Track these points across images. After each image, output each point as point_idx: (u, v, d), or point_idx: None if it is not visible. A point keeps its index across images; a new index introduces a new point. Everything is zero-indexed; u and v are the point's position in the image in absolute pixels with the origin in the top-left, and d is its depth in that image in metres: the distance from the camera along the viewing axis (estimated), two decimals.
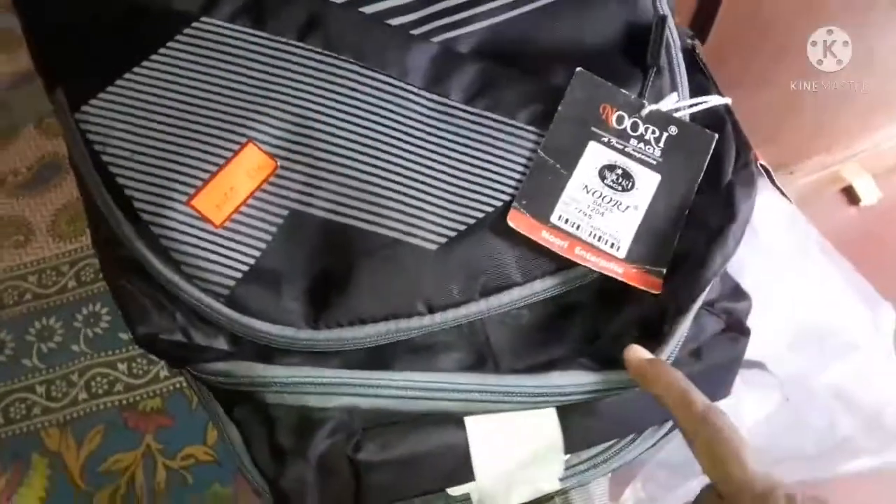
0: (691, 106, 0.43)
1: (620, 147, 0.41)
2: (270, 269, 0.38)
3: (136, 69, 0.40)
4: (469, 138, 0.41)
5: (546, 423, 0.38)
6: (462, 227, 0.39)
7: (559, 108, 0.41)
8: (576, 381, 0.37)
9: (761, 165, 0.46)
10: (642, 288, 0.39)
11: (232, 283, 0.38)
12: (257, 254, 0.38)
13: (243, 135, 0.39)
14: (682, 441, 0.32)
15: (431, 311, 0.39)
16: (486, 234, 0.39)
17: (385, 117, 0.40)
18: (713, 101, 0.44)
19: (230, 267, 0.38)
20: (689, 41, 0.47)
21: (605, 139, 0.41)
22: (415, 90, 0.41)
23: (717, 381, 0.41)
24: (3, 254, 0.93)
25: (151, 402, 0.86)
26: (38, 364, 0.89)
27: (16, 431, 0.87)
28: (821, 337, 0.45)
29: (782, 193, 0.50)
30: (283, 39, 0.41)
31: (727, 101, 0.44)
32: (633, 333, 0.39)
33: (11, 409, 0.88)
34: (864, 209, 1.07)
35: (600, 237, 0.39)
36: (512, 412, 0.37)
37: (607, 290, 0.40)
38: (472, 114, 0.41)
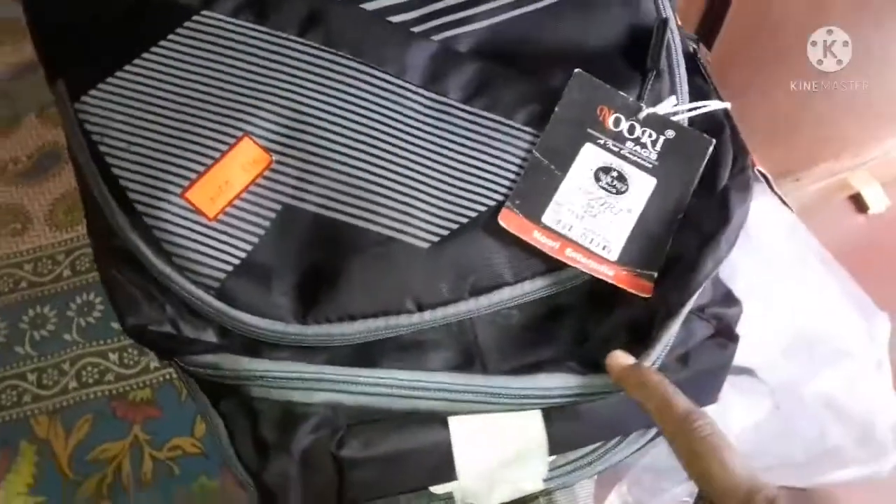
0: (690, 110, 0.43)
1: (616, 149, 0.42)
2: (261, 263, 0.39)
3: (136, 61, 0.41)
4: (465, 137, 0.41)
5: (531, 424, 0.38)
6: (454, 226, 0.40)
7: (556, 108, 0.41)
8: (561, 384, 0.37)
9: (759, 172, 0.46)
10: (632, 291, 0.39)
11: (222, 275, 0.38)
12: (249, 247, 0.39)
13: (240, 128, 0.40)
14: (669, 446, 0.32)
15: (421, 308, 0.39)
16: (478, 234, 0.40)
17: (382, 114, 0.41)
18: (712, 105, 0.44)
19: (221, 260, 0.38)
20: (691, 45, 0.47)
21: (602, 141, 0.42)
22: (413, 88, 0.42)
23: (704, 387, 0.41)
24: (1, 241, 0.94)
25: (141, 393, 0.87)
26: (31, 352, 0.90)
27: (5, 418, 0.88)
28: (814, 345, 0.45)
29: (782, 200, 0.50)
30: (284, 34, 0.41)
31: (726, 105, 0.44)
32: (622, 336, 0.39)
33: (2, 396, 0.89)
34: (873, 217, 1.07)
35: (592, 239, 0.40)
36: (497, 413, 0.38)
37: (598, 293, 0.40)
38: (469, 113, 0.41)
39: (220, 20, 0.41)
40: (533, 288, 0.40)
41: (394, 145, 0.40)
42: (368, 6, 0.43)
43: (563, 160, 0.41)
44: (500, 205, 0.40)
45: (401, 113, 0.41)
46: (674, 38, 0.45)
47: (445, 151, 0.41)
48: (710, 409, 0.41)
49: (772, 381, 0.43)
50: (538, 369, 0.38)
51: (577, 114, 0.42)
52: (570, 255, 0.39)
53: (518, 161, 0.41)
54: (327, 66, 0.41)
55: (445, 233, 0.39)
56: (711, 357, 0.40)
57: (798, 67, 0.66)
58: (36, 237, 0.95)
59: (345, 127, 0.40)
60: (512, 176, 0.40)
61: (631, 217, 0.40)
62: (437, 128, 0.41)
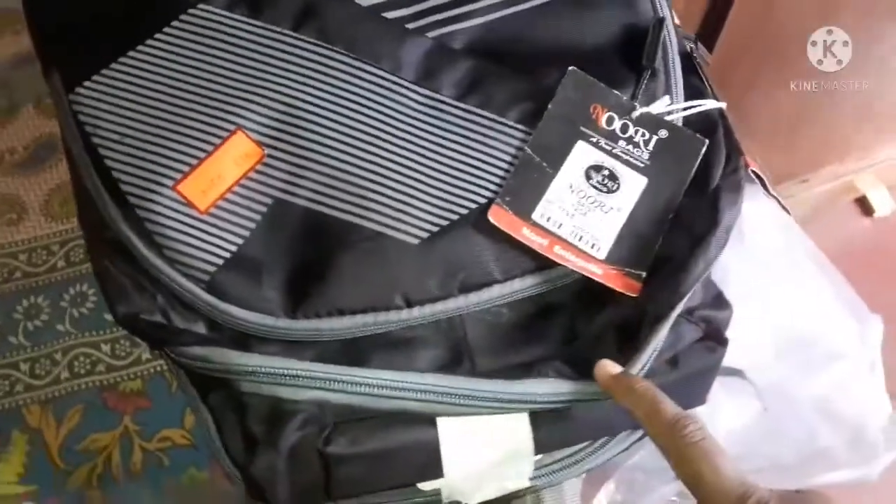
0: (684, 109, 0.43)
1: (608, 148, 0.42)
2: (252, 256, 0.39)
3: (131, 53, 0.41)
4: (458, 134, 0.41)
5: (518, 426, 0.38)
6: (445, 223, 0.40)
7: (549, 106, 0.42)
8: (550, 389, 0.38)
9: (754, 173, 0.46)
10: (620, 290, 0.39)
11: (213, 269, 0.39)
12: (240, 241, 0.39)
13: (233, 122, 0.40)
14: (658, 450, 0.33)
15: (410, 305, 0.39)
16: (468, 231, 0.40)
17: (375, 110, 0.41)
18: (707, 104, 0.44)
19: (212, 253, 0.39)
20: (688, 44, 0.48)
21: (594, 139, 0.42)
22: (406, 84, 0.42)
23: (693, 390, 0.41)
24: None
25: (132, 384, 0.88)
26: (24, 342, 0.91)
27: None
28: (804, 347, 0.45)
29: (779, 202, 0.50)
30: (278, 29, 0.42)
31: (721, 105, 0.44)
32: (611, 336, 0.39)
33: None
34: (878, 220, 1.07)
35: (581, 237, 0.40)
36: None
37: (588, 292, 0.41)
38: (462, 110, 0.42)
39: (215, 14, 0.42)
40: (523, 286, 0.40)
41: (386, 141, 0.41)
42: (363, 2, 0.43)
43: (555, 158, 0.41)
44: (491, 202, 0.40)
45: (394, 109, 0.41)
46: (670, 37, 0.45)
47: (438, 148, 0.41)
48: (699, 411, 0.41)
49: (761, 382, 0.43)
50: (527, 370, 0.38)
51: (571, 112, 0.42)
52: (558, 253, 0.39)
53: (510, 158, 0.41)
54: (321, 62, 0.41)
55: (436, 229, 0.40)
56: (700, 360, 0.40)
57: (800, 68, 0.66)
58: (31, 228, 0.96)
59: (338, 122, 0.41)
60: (503, 173, 0.41)
61: (621, 216, 0.41)
62: (429, 124, 0.41)
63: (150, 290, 0.39)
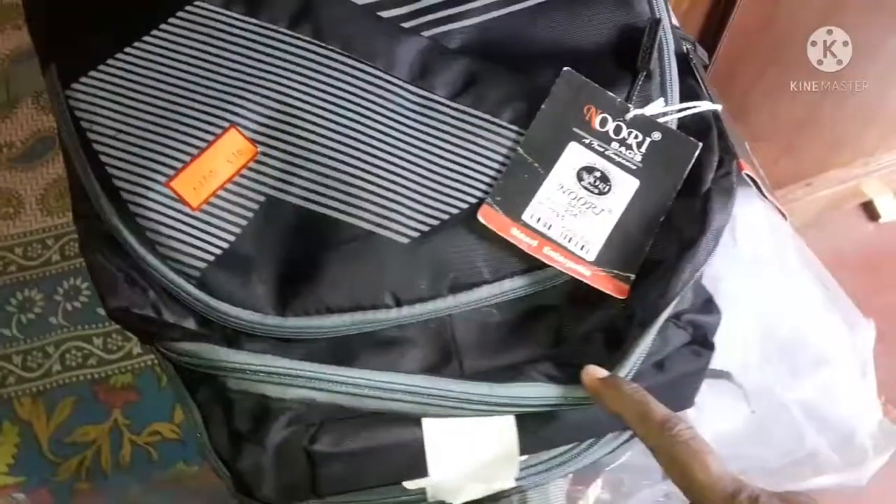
0: (679, 111, 0.44)
1: (601, 150, 0.42)
2: (242, 254, 0.40)
3: (127, 50, 0.42)
4: (450, 134, 0.42)
5: (504, 427, 0.39)
6: (436, 222, 0.40)
7: (543, 106, 0.42)
8: (537, 393, 0.38)
9: (748, 176, 0.47)
10: (608, 292, 0.39)
11: (203, 265, 0.39)
12: (231, 238, 0.40)
13: (227, 119, 0.41)
14: (644, 446, 0.33)
15: (399, 304, 0.40)
16: (458, 230, 0.40)
17: (368, 109, 0.41)
18: (702, 106, 0.44)
19: (203, 250, 0.39)
20: (686, 45, 0.48)
21: (587, 141, 0.42)
22: (400, 83, 0.42)
23: (681, 392, 0.41)
24: None
25: (122, 378, 0.88)
26: (17, 334, 0.91)
27: None
28: (794, 351, 0.46)
29: (775, 206, 0.50)
30: (274, 27, 0.42)
31: (716, 107, 0.44)
32: (598, 339, 0.40)
33: None
34: (883, 226, 1.07)
35: (571, 238, 0.40)
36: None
37: (578, 294, 0.41)
38: (455, 109, 0.42)
39: (212, 11, 0.42)
40: (512, 287, 0.41)
41: (379, 140, 0.41)
42: (358, 0, 0.43)
43: (548, 158, 0.42)
44: (482, 202, 0.40)
45: (387, 108, 0.42)
46: (666, 38, 0.45)
47: (430, 147, 0.41)
48: (685, 413, 0.42)
49: (749, 385, 0.43)
50: (515, 372, 0.38)
51: (564, 112, 0.42)
52: (547, 254, 0.40)
53: (502, 158, 0.41)
54: (316, 60, 0.42)
55: (426, 228, 0.40)
56: (686, 364, 0.41)
57: (805, 69, 0.66)
58: (27, 221, 0.97)
59: (331, 121, 0.41)
60: (495, 173, 0.41)
61: (612, 218, 0.41)
62: (422, 123, 0.42)
63: (141, 284, 0.39)
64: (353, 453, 0.38)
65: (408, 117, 0.42)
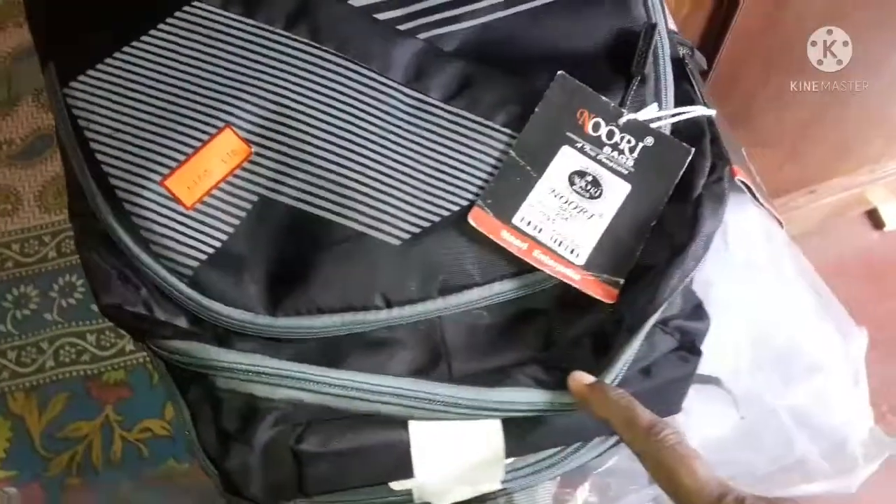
0: (673, 116, 0.44)
1: (593, 154, 0.42)
2: (235, 253, 0.40)
3: (125, 49, 0.42)
4: (443, 136, 0.42)
5: (490, 430, 0.39)
6: (427, 224, 0.41)
7: (536, 109, 0.42)
8: (525, 398, 0.38)
9: (742, 182, 0.47)
10: (597, 297, 0.40)
11: (196, 264, 0.40)
12: (224, 237, 0.40)
13: (222, 119, 0.41)
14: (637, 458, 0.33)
15: (389, 305, 0.40)
16: (449, 233, 0.41)
17: (362, 110, 0.42)
18: (696, 111, 0.44)
19: (196, 248, 0.40)
20: (682, 50, 0.48)
21: (579, 145, 0.43)
22: (394, 85, 0.43)
23: (668, 398, 0.42)
24: None
25: (115, 375, 0.89)
26: (12, 330, 0.93)
27: None
28: (785, 358, 0.46)
29: (770, 212, 0.50)
30: (270, 28, 0.43)
31: (710, 112, 0.45)
32: (586, 343, 0.40)
33: None
34: (888, 234, 1.07)
35: (561, 242, 0.41)
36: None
37: (567, 298, 0.41)
38: (449, 112, 0.43)
39: (209, 11, 0.43)
40: (502, 289, 0.41)
41: (372, 142, 0.41)
42: (355, 2, 0.44)
43: (540, 162, 0.42)
44: (474, 204, 0.41)
45: (381, 110, 0.42)
46: (662, 43, 0.45)
47: (423, 150, 0.42)
48: (672, 418, 0.42)
49: (740, 391, 0.43)
50: (503, 376, 0.39)
51: (557, 116, 0.43)
52: (536, 257, 0.40)
53: (494, 161, 0.42)
54: (312, 61, 0.42)
55: (418, 230, 0.41)
56: (673, 370, 0.41)
57: (808, 72, 0.66)
58: (25, 218, 0.98)
59: (325, 122, 0.41)
60: (487, 176, 0.42)
61: (602, 222, 0.41)
62: (416, 126, 0.42)
63: (133, 282, 0.40)
64: (340, 453, 0.38)
65: (402, 119, 0.42)
